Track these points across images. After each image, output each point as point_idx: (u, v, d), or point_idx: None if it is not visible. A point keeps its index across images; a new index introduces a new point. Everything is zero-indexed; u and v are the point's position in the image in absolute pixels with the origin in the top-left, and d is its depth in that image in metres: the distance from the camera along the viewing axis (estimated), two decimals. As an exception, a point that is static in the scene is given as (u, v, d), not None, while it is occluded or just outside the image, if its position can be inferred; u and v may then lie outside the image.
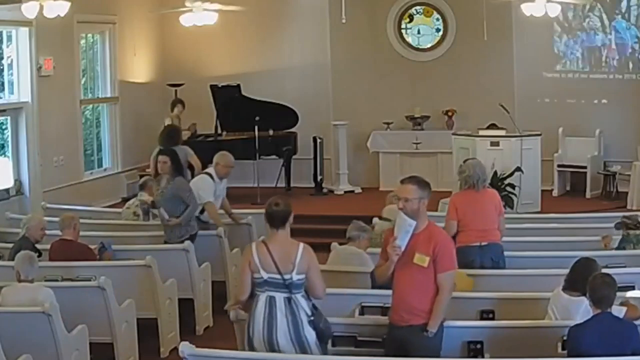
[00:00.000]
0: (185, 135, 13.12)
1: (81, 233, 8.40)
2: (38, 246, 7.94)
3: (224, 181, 9.41)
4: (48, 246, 8.00)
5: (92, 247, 8.09)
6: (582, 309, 5.62)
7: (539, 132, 12.36)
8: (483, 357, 5.79)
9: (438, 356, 5.49)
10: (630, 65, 13.95)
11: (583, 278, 5.65)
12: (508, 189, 11.06)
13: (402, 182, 5.67)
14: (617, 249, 8.00)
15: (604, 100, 14.04)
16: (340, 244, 7.76)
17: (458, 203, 7.66)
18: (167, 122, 13.23)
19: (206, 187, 9.09)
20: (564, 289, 5.89)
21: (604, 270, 5.81)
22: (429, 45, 14.99)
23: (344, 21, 11.32)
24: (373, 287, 6.79)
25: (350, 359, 5.68)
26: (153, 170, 10.27)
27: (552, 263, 7.36)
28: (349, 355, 5.77)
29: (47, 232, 8.19)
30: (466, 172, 7.71)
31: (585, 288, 5.50)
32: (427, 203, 5.64)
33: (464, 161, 7.99)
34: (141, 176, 11.56)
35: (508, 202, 10.68)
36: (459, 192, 7.84)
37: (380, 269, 5.77)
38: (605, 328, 5.18)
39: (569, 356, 5.36)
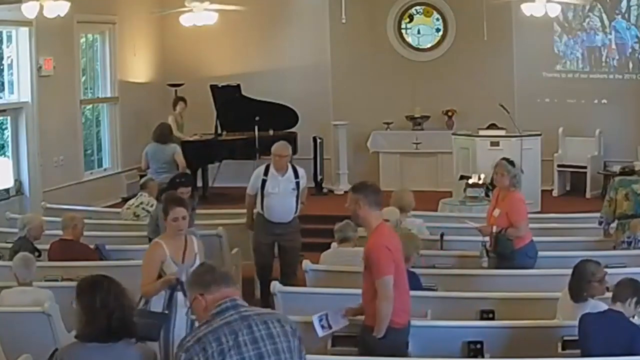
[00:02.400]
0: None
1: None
2: (38, 246, 7.94)
3: (288, 174, 8.65)
4: (47, 246, 8.00)
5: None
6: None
7: (539, 132, 12.35)
8: (483, 357, 5.78)
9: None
10: (630, 65, 13.95)
11: (578, 285, 5.70)
12: (508, 189, 11.06)
13: None
14: (604, 201, 8.34)
15: (604, 100, 14.04)
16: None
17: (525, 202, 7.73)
18: (171, 120, 13.22)
19: (252, 178, 8.84)
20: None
21: (608, 270, 5.86)
22: (429, 45, 14.99)
23: (344, 21, 11.33)
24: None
25: (350, 359, 5.68)
26: (145, 166, 11.14)
27: (552, 263, 7.37)
28: (349, 355, 5.77)
29: (47, 232, 8.18)
30: (519, 173, 7.73)
31: (581, 293, 5.59)
32: (372, 204, 5.56)
33: (511, 163, 7.82)
34: (141, 176, 11.58)
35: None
36: (519, 191, 7.75)
37: None
38: (612, 326, 5.24)
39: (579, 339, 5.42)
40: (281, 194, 8.56)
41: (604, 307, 5.49)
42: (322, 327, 5.54)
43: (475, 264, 7.71)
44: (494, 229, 7.43)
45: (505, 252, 7.38)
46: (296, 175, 8.69)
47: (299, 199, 8.77)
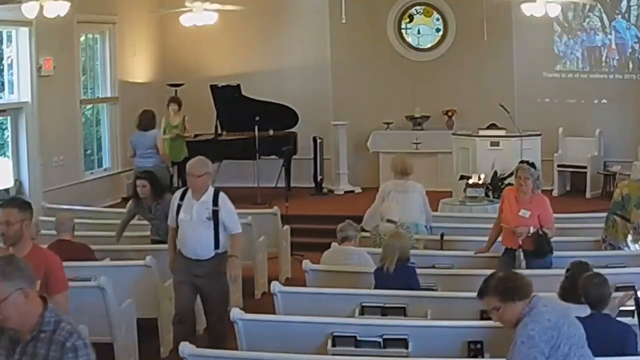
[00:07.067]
0: None
1: (82, 233, 8.41)
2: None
3: (205, 199, 6.92)
4: (44, 246, 7.97)
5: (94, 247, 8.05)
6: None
7: (539, 132, 12.37)
8: (483, 357, 5.78)
9: None
10: (630, 65, 13.96)
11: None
12: (508, 189, 11.06)
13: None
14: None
15: (604, 100, 14.04)
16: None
17: None
18: (163, 121, 13.05)
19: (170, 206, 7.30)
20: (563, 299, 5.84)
21: (608, 270, 5.82)
22: (429, 45, 15.00)
23: (344, 21, 11.32)
24: (376, 287, 6.81)
25: (350, 359, 5.68)
26: (130, 154, 11.68)
27: (552, 263, 7.36)
28: (349, 355, 5.76)
29: (46, 232, 8.17)
30: (540, 174, 7.76)
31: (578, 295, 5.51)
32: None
33: (532, 165, 7.78)
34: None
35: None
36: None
37: None
38: (601, 330, 5.12)
39: None
40: (193, 222, 6.89)
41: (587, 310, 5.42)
42: None
43: (475, 264, 7.72)
44: (531, 230, 7.44)
45: (545, 250, 7.45)
46: (215, 203, 6.91)
47: (222, 233, 6.97)
